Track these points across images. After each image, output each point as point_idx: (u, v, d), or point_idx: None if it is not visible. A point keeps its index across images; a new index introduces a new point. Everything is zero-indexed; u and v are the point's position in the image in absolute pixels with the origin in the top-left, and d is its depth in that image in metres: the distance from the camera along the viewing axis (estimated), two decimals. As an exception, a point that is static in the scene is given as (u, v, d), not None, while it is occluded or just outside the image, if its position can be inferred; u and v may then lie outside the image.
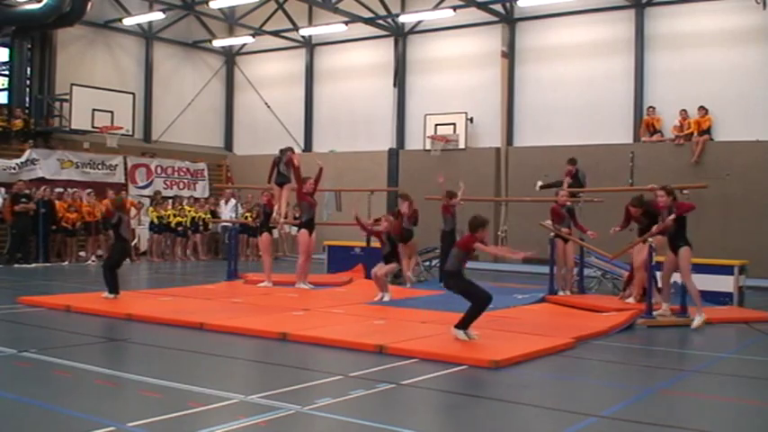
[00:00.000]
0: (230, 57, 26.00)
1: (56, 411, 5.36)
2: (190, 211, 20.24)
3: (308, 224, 13.02)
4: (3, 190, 17.85)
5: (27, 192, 17.42)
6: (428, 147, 21.12)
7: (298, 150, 23.94)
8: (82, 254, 18.57)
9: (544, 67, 20.13)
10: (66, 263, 17.81)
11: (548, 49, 20.09)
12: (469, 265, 16.62)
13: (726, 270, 11.87)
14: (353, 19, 21.08)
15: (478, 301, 7.95)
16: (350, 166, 21.83)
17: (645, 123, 18.52)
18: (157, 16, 22.51)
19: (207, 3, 20.43)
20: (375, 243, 15.87)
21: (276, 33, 23.48)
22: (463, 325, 7.93)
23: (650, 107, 18.50)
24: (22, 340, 7.97)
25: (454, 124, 20.88)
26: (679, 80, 18.26)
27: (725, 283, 11.74)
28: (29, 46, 20.53)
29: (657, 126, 18.39)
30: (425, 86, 22.08)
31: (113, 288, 10.84)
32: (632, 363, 7.74)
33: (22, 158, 18.79)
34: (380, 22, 21.85)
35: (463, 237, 8.30)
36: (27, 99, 20.68)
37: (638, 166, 18.05)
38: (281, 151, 13.55)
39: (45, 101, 21.04)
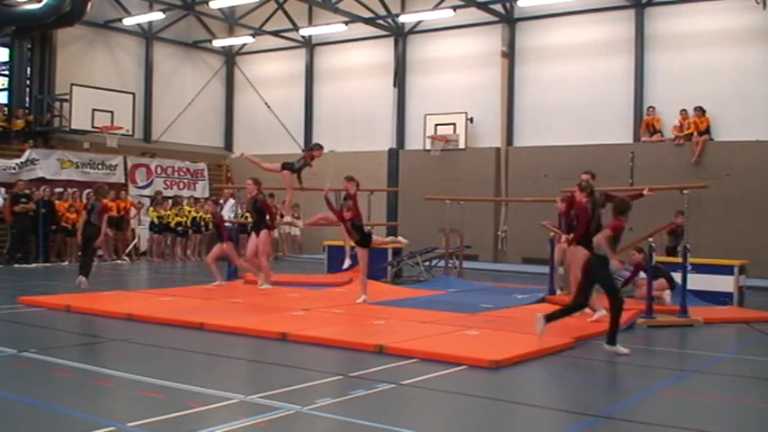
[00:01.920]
0: (230, 57, 26.00)
1: (56, 411, 5.36)
2: (190, 211, 20.24)
3: (253, 227, 12.88)
4: (3, 190, 17.85)
5: (27, 192, 17.42)
6: (428, 147, 21.14)
7: (297, 150, 24.03)
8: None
9: (544, 67, 20.13)
10: (67, 263, 17.79)
11: (548, 49, 20.09)
12: (470, 264, 16.77)
13: (726, 270, 11.87)
14: (353, 19, 21.08)
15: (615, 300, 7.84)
16: (350, 166, 21.72)
17: (645, 123, 18.52)
18: (157, 16, 22.50)
19: (207, 3, 20.43)
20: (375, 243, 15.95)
21: (276, 33, 23.48)
22: (611, 339, 7.84)
23: (650, 107, 18.51)
24: (22, 340, 7.97)
25: (454, 124, 20.88)
26: (679, 80, 18.26)
27: (725, 283, 11.73)
28: (29, 46, 20.52)
29: (657, 126, 18.39)
30: (425, 86, 22.08)
31: (84, 269, 11.45)
32: (632, 363, 7.74)
33: (22, 158, 18.79)
34: (380, 22, 21.85)
35: (612, 222, 7.91)
36: (27, 99, 20.67)
37: (638, 166, 18.06)
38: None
39: (45, 101, 21.04)
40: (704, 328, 9.76)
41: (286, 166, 12.78)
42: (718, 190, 15.83)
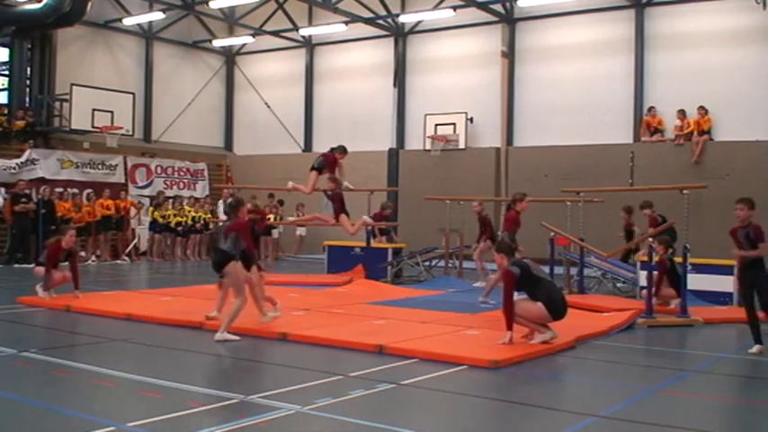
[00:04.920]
0: (230, 57, 26.00)
1: (56, 411, 5.36)
2: (190, 211, 20.22)
3: None
4: (3, 190, 17.84)
5: (27, 192, 17.42)
6: (428, 147, 21.13)
7: (297, 150, 24.06)
8: (82, 254, 18.53)
9: (544, 67, 20.12)
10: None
11: (548, 49, 20.09)
12: (470, 264, 16.75)
13: (726, 270, 11.82)
14: (353, 19, 21.07)
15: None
16: (350, 166, 21.64)
17: (645, 123, 18.52)
18: (157, 16, 22.50)
19: (207, 3, 20.42)
20: (375, 243, 15.96)
21: (276, 33, 23.47)
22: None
23: (650, 107, 18.51)
24: (22, 340, 7.98)
25: (454, 124, 20.88)
26: (679, 80, 18.27)
27: (725, 283, 11.71)
28: (29, 46, 20.50)
29: (657, 126, 18.40)
30: (425, 86, 22.08)
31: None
32: (632, 363, 7.74)
33: (22, 158, 18.77)
34: (380, 22, 21.85)
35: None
36: (27, 99, 20.65)
37: (638, 166, 18.06)
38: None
39: (45, 101, 21.02)
40: (704, 328, 9.75)
41: (313, 168, 13.06)
42: (718, 190, 15.80)
